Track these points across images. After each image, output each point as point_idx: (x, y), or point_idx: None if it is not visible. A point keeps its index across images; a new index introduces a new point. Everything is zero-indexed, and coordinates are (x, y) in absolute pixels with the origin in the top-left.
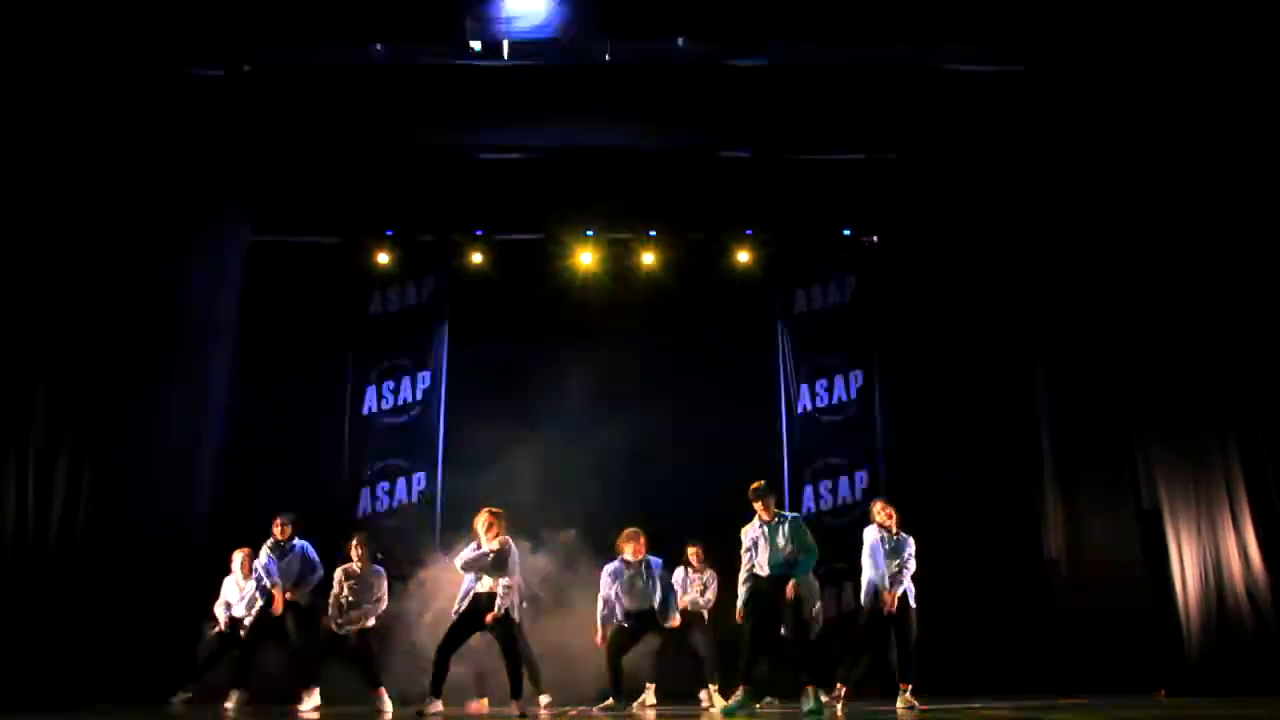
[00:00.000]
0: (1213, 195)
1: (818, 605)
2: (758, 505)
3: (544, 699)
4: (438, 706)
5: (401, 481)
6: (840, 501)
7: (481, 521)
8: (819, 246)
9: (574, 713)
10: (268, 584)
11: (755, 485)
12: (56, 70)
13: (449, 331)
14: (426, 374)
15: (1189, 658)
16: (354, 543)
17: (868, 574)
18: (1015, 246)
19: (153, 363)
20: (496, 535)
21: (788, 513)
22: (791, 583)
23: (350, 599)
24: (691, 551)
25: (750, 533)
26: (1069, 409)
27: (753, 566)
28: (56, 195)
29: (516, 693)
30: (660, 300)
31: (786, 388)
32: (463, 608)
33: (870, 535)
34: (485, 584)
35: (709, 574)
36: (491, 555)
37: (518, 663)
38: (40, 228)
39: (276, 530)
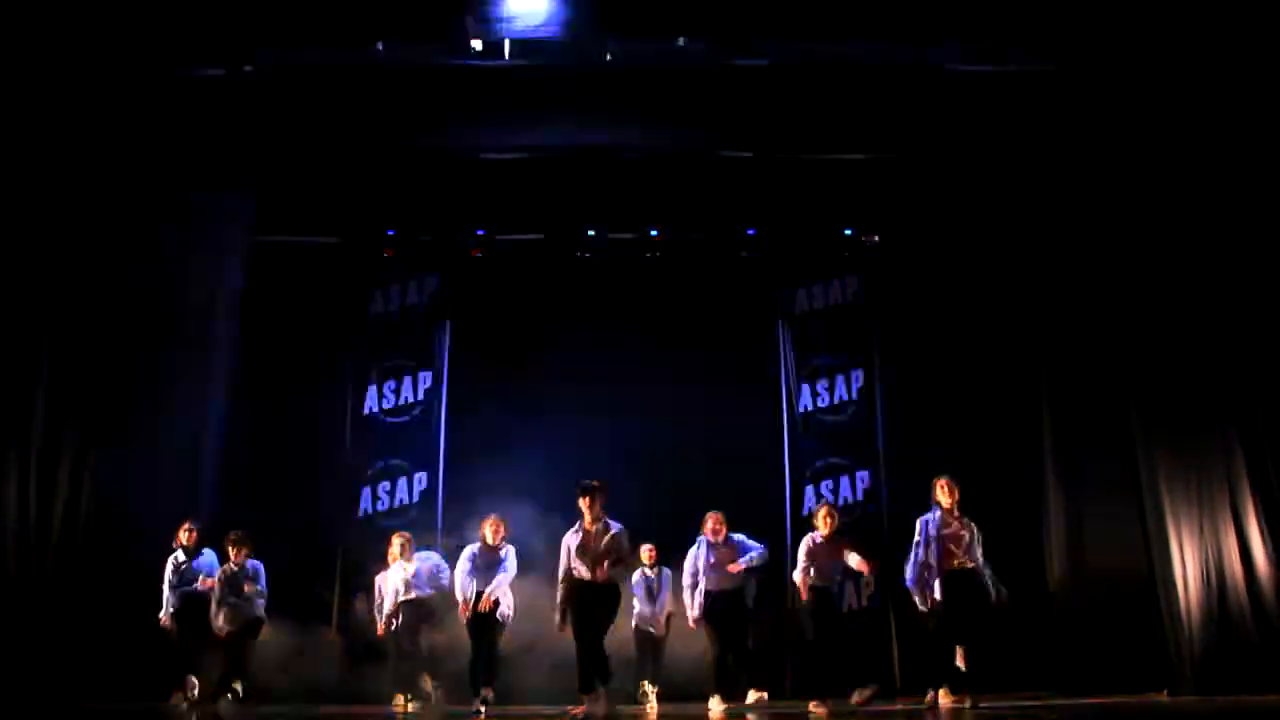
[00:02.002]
0: (1217, 191)
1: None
2: (584, 502)
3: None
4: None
5: (402, 481)
6: (841, 502)
7: (489, 526)
8: (820, 246)
9: (576, 712)
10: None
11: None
12: (58, 69)
13: (450, 331)
14: (428, 374)
15: (1190, 656)
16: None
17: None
18: (1018, 246)
19: (153, 362)
20: (502, 538)
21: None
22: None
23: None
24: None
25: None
26: (1071, 408)
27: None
28: (58, 195)
29: (488, 684)
30: (661, 300)
31: (787, 388)
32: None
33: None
34: (488, 584)
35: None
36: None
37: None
38: (42, 228)
39: (183, 535)
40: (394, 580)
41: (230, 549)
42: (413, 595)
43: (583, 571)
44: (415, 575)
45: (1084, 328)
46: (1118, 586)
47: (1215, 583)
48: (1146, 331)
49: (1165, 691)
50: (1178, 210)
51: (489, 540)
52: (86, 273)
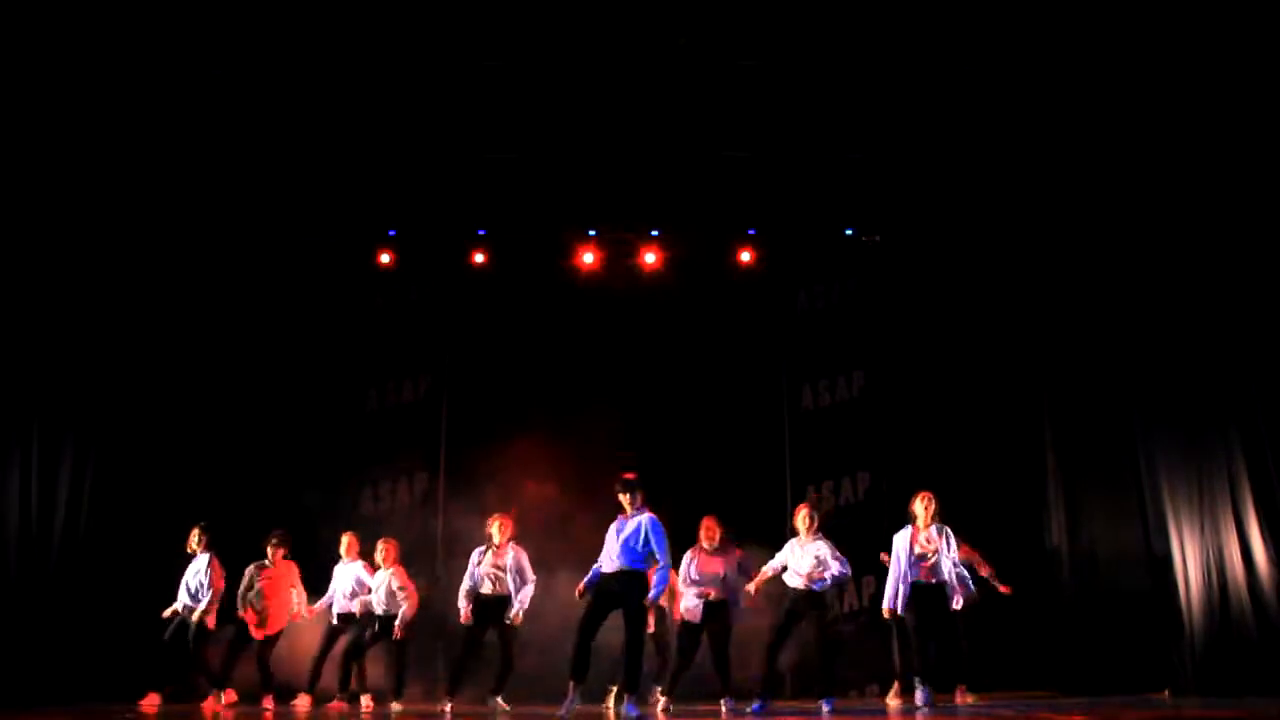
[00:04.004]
0: (1217, 191)
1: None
2: (624, 498)
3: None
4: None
5: (403, 481)
6: (842, 502)
7: (495, 526)
8: (821, 246)
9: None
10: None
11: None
12: (62, 62)
13: (450, 331)
14: (428, 374)
15: (1192, 656)
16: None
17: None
18: (1019, 246)
19: (153, 362)
20: (509, 539)
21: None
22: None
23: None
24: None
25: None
26: (1071, 407)
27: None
28: (56, 196)
29: (500, 689)
30: (661, 300)
31: (788, 387)
32: (471, 611)
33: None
34: (496, 587)
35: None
36: (505, 558)
37: (511, 663)
38: (41, 229)
39: (193, 541)
40: (375, 586)
41: (269, 549)
42: (384, 609)
43: (609, 563)
44: (393, 585)
45: (1085, 328)
46: (1118, 586)
47: (1216, 582)
48: (1147, 331)
49: (1167, 691)
50: (1179, 210)
51: (495, 540)
52: (85, 273)
